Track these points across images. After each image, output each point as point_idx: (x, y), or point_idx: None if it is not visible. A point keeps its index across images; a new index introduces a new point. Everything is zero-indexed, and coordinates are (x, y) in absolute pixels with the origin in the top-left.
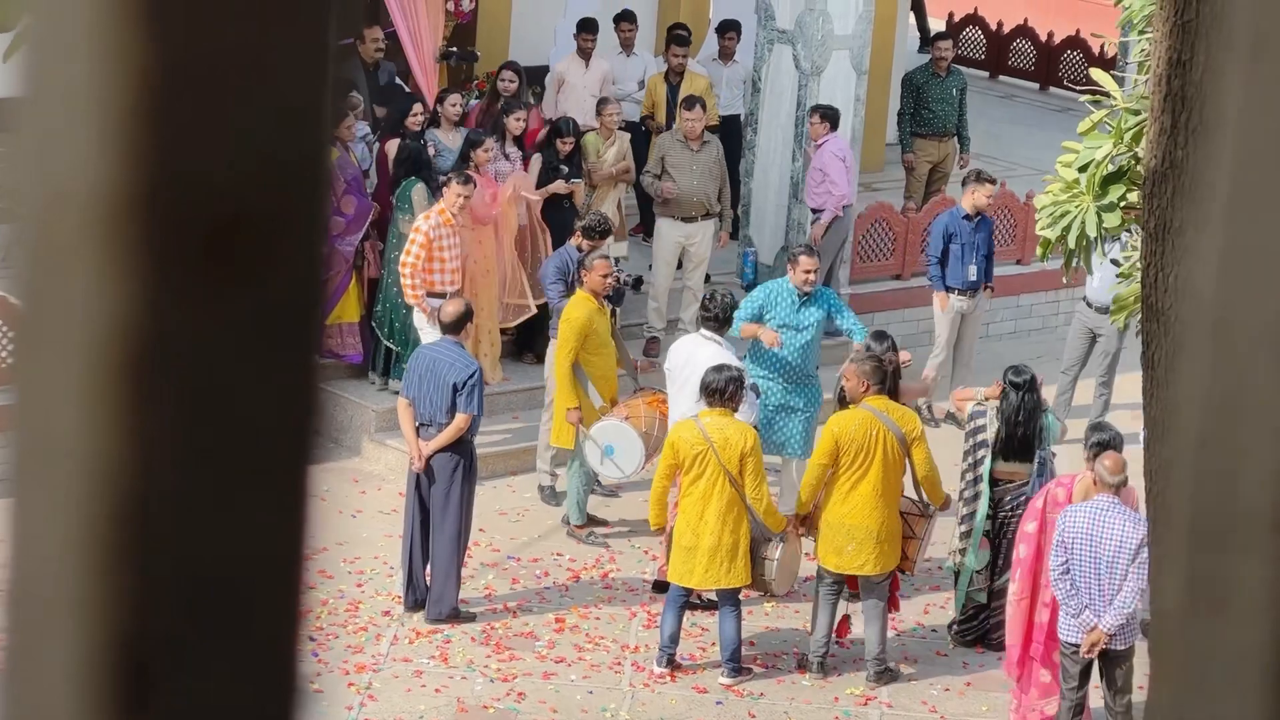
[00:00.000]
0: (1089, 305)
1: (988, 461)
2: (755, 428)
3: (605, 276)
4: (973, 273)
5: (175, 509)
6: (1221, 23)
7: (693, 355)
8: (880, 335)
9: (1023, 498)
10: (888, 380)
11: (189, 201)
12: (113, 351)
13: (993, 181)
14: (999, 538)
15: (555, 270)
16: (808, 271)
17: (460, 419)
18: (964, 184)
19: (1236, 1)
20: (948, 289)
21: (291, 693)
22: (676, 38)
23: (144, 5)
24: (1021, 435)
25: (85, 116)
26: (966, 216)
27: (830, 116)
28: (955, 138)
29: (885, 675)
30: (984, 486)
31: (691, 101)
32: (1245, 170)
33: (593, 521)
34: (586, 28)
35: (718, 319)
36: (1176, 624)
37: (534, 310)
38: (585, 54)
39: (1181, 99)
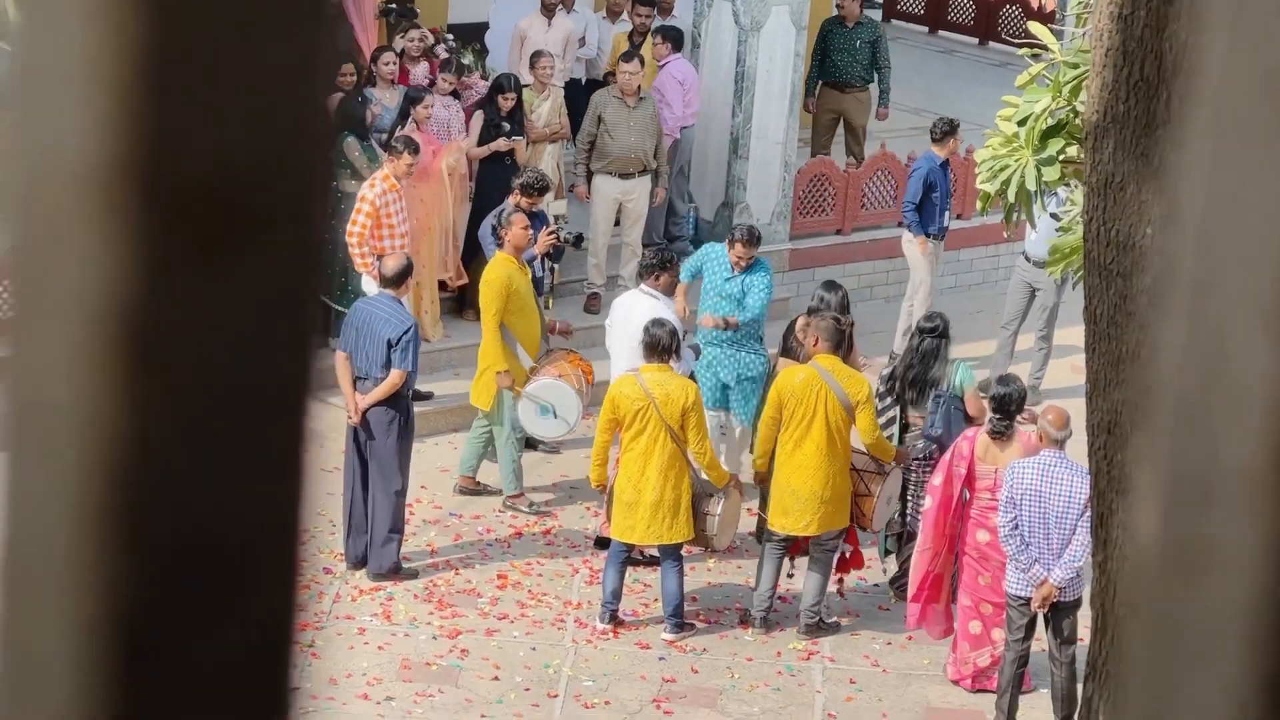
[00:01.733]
0: (1028, 259)
1: (895, 411)
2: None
3: (525, 229)
4: (948, 218)
5: (172, 475)
6: None
7: (631, 311)
8: (831, 285)
9: (931, 442)
10: (843, 343)
11: (186, 171)
12: (109, 320)
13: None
14: (912, 486)
15: (495, 230)
16: (739, 258)
17: (394, 374)
18: (935, 133)
19: None
20: (927, 234)
21: (288, 661)
22: None
23: None
24: (911, 379)
25: (82, 87)
26: (943, 164)
27: (673, 37)
28: (866, 90)
29: (816, 628)
30: (892, 431)
31: (630, 55)
32: (1226, 132)
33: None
34: None
35: (656, 270)
36: (1153, 586)
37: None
38: (549, 10)
39: (1123, 53)
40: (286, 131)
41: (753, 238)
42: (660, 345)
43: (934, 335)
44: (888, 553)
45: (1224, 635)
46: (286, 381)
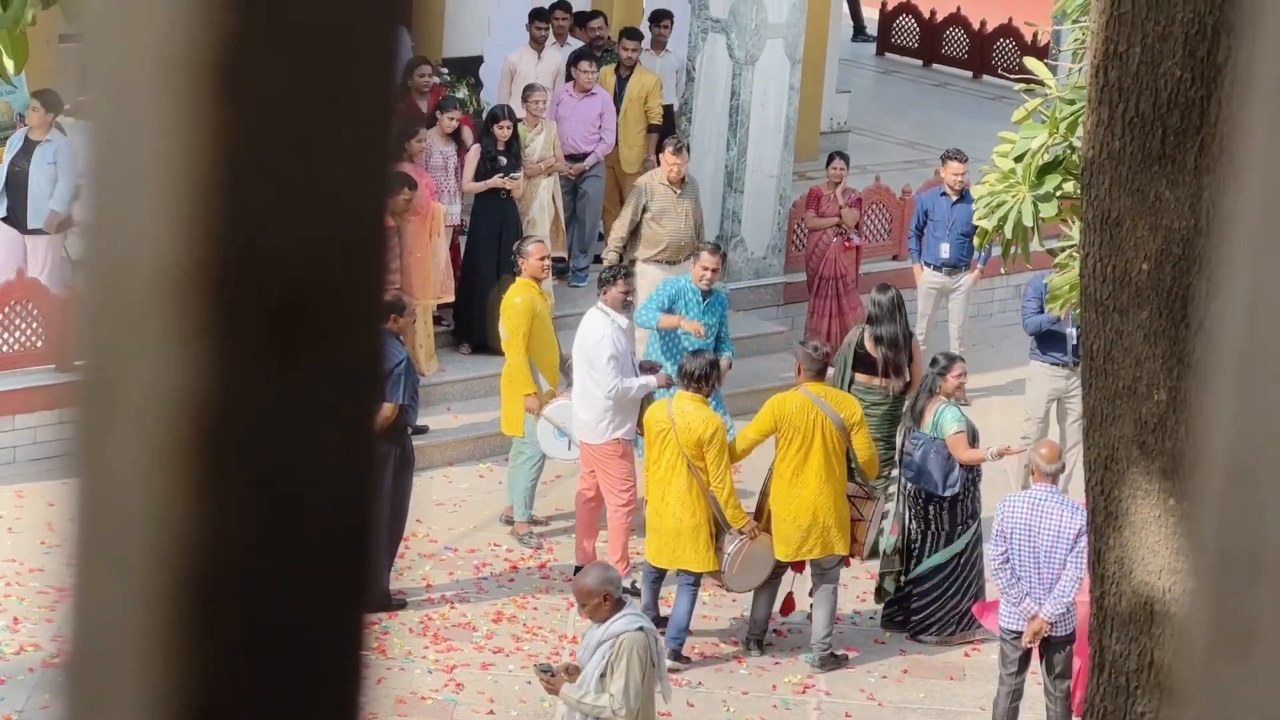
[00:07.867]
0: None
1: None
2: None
3: (542, 259)
4: (945, 250)
5: (242, 583)
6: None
7: (593, 333)
8: (884, 287)
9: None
10: (824, 370)
11: (255, 276)
12: (179, 423)
13: (957, 159)
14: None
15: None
16: (706, 268)
17: (384, 408)
18: (942, 160)
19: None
20: (925, 264)
21: None
22: (629, 31)
23: (216, 80)
24: (912, 407)
25: (153, 190)
26: (944, 194)
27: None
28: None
29: (830, 661)
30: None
31: (679, 147)
32: (1273, 207)
33: (532, 521)
34: (539, 16)
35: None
36: (1202, 664)
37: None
38: (538, 44)
39: (1118, 90)
40: (357, 234)
41: (716, 247)
42: (695, 375)
43: (931, 366)
44: (885, 592)
45: (1275, 714)
46: (356, 482)
